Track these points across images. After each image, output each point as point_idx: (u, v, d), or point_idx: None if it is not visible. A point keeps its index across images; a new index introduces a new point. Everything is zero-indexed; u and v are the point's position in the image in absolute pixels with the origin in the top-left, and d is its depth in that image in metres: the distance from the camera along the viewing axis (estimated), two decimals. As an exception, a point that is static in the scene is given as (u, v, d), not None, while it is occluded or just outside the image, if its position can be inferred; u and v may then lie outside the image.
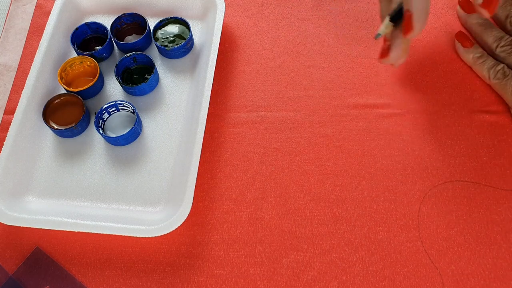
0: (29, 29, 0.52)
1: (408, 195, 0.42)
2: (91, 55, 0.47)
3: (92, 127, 0.46)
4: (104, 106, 0.44)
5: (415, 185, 0.42)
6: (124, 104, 0.45)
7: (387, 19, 0.40)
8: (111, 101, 0.45)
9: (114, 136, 0.43)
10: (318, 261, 0.39)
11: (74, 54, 0.49)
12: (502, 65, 0.43)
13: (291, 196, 0.42)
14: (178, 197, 0.40)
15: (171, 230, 0.39)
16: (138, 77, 0.47)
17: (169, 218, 0.39)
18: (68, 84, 0.47)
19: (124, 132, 0.44)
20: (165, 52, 0.48)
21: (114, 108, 0.45)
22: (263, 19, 0.51)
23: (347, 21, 0.51)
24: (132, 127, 0.43)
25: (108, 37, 0.47)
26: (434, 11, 0.50)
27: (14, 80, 0.49)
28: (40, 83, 0.46)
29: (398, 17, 0.39)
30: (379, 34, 0.40)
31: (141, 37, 0.48)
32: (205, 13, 0.50)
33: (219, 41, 0.47)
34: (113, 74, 0.48)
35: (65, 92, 0.46)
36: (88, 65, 0.47)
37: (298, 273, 0.39)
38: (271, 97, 0.47)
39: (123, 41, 0.49)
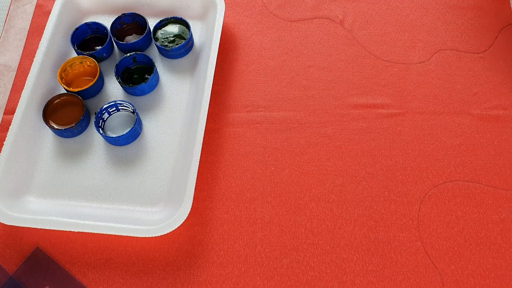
0: (29, 29, 0.52)
1: (408, 195, 0.42)
2: (91, 55, 0.47)
3: (92, 127, 0.46)
4: (104, 106, 0.44)
5: (415, 185, 0.42)
6: (124, 104, 0.45)
7: None
8: (111, 101, 0.45)
9: (114, 136, 0.43)
10: (318, 261, 0.39)
11: (74, 54, 0.49)
12: None
13: (291, 196, 0.42)
14: (178, 197, 0.40)
15: (171, 230, 0.39)
16: (138, 77, 0.47)
17: (169, 218, 0.39)
18: (68, 84, 0.47)
19: (124, 132, 0.44)
20: (165, 52, 0.48)
21: (114, 108, 0.45)
22: (263, 19, 0.51)
23: (347, 22, 0.51)
24: (132, 127, 0.43)
25: (108, 37, 0.47)
26: (434, 11, 0.50)
27: (14, 80, 0.49)
28: (40, 83, 0.46)
29: None
30: None
31: (141, 37, 0.48)
32: (205, 13, 0.50)
33: (219, 41, 0.47)
34: (113, 74, 0.48)
35: (65, 92, 0.46)
36: (88, 65, 0.47)
37: (298, 273, 0.39)
38: (271, 97, 0.47)
39: (123, 41, 0.49)
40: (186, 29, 0.49)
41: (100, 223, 0.39)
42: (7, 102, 0.48)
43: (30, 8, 0.53)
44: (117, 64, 0.46)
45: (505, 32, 0.49)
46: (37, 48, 0.49)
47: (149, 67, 0.48)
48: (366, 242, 0.40)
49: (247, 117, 0.46)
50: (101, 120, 0.45)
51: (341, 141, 0.44)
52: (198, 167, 0.43)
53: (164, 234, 0.40)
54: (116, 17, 0.49)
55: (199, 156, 0.41)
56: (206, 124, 0.43)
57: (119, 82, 0.45)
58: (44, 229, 0.41)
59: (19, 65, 0.50)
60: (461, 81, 0.47)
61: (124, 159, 0.44)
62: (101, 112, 0.44)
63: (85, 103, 0.46)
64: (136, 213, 0.41)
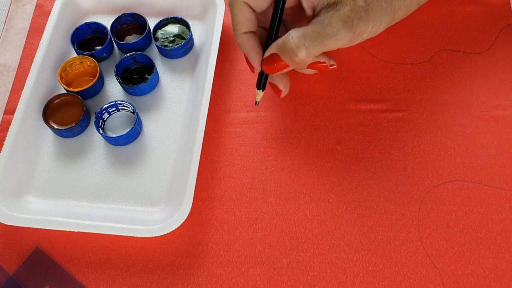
0: (29, 29, 0.52)
1: (408, 195, 0.42)
2: (91, 55, 0.47)
3: (92, 127, 0.46)
4: (104, 106, 0.44)
5: (415, 185, 0.42)
6: (124, 104, 0.45)
7: (257, 91, 0.43)
8: (111, 101, 0.45)
9: (114, 136, 0.43)
10: (318, 261, 0.39)
11: (74, 54, 0.49)
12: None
13: (291, 196, 0.42)
14: (178, 197, 0.40)
15: (171, 230, 0.39)
16: (138, 77, 0.47)
17: (169, 218, 0.39)
18: (68, 84, 0.47)
19: (124, 132, 0.44)
20: (165, 52, 0.48)
21: (114, 108, 0.45)
22: (263, 19, 0.51)
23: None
24: (132, 127, 0.43)
25: (108, 37, 0.47)
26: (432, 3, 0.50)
27: (14, 80, 0.49)
28: (40, 83, 0.46)
29: (263, 82, 0.42)
30: (258, 102, 0.43)
31: (141, 37, 0.48)
32: (205, 13, 0.50)
33: (219, 41, 0.47)
34: (113, 74, 0.48)
35: (65, 92, 0.46)
36: (88, 65, 0.47)
37: (298, 273, 0.39)
38: (271, 97, 0.47)
39: (123, 41, 0.49)
40: (186, 29, 0.49)
41: (100, 223, 0.39)
42: (7, 102, 0.48)
43: (30, 8, 0.53)
44: (117, 64, 0.46)
45: (505, 32, 0.49)
46: (37, 48, 0.49)
47: (149, 67, 0.48)
48: (366, 242, 0.40)
49: (247, 117, 0.46)
50: (101, 120, 0.45)
51: (341, 141, 0.44)
52: (198, 167, 0.43)
53: (164, 234, 0.40)
54: (116, 17, 0.49)
55: (199, 156, 0.41)
56: (206, 124, 0.43)
57: (119, 82, 0.45)
58: (44, 229, 0.41)
59: (19, 65, 0.50)
60: (461, 81, 0.47)
61: (124, 159, 0.44)
62: (101, 112, 0.44)
63: (85, 103, 0.46)
64: (136, 213, 0.41)
